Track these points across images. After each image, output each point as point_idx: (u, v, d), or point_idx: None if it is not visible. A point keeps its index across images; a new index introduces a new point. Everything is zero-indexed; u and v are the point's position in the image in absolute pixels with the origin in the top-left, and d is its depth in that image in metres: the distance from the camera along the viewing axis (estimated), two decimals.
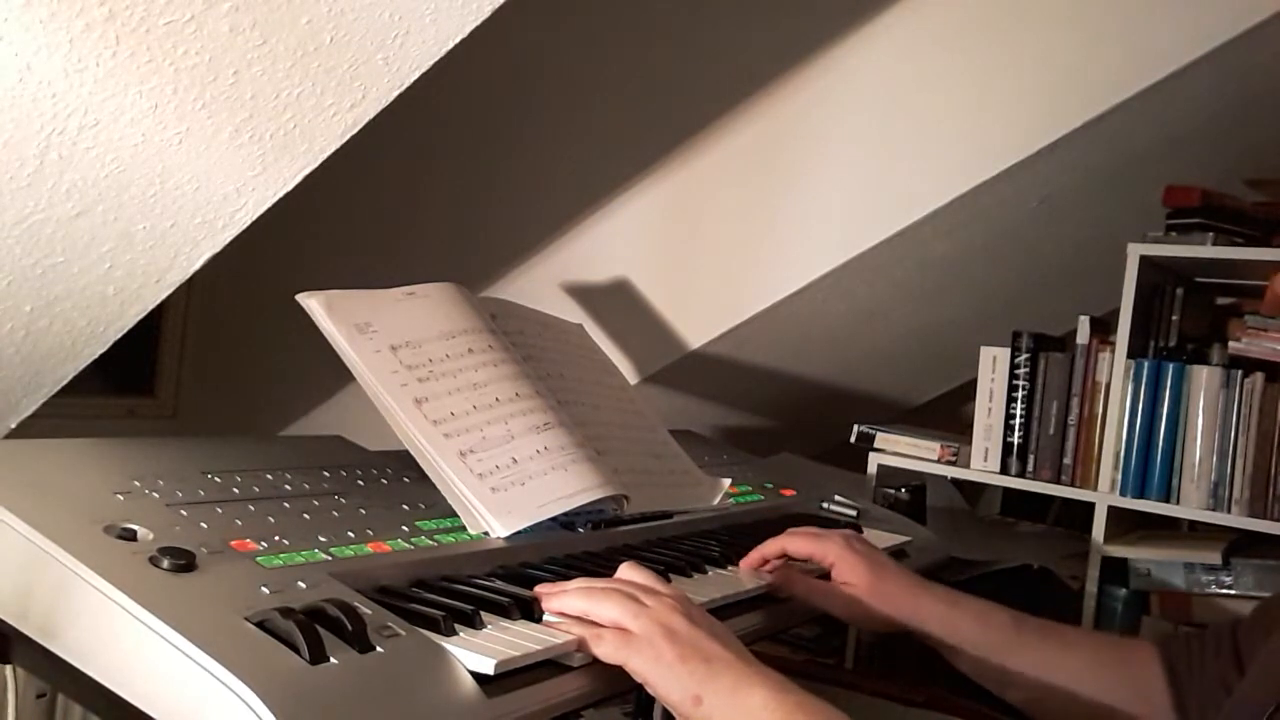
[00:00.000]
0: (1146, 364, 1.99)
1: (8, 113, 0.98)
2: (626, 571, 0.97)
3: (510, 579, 1.00)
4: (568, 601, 0.91)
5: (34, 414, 1.41)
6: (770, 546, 1.21)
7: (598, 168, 1.95)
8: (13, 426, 1.42)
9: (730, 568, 1.20)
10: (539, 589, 0.94)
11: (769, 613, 1.15)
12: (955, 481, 2.39)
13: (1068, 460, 2.07)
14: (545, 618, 0.91)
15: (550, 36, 1.90)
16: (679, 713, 0.87)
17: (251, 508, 0.96)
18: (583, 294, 1.99)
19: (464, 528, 1.06)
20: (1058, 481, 2.08)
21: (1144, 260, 1.99)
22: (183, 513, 0.91)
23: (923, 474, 2.23)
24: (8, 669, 0.86)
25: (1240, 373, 1.93)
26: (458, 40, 1.08)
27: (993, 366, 2.16)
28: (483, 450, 1.11)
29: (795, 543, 1.21)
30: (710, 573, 1.17)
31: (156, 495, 0.92)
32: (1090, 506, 2.02)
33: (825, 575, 1.19)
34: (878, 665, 2.06)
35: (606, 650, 0.88)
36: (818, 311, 2.07)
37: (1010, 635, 1.15)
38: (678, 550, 1.22)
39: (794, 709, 0.84)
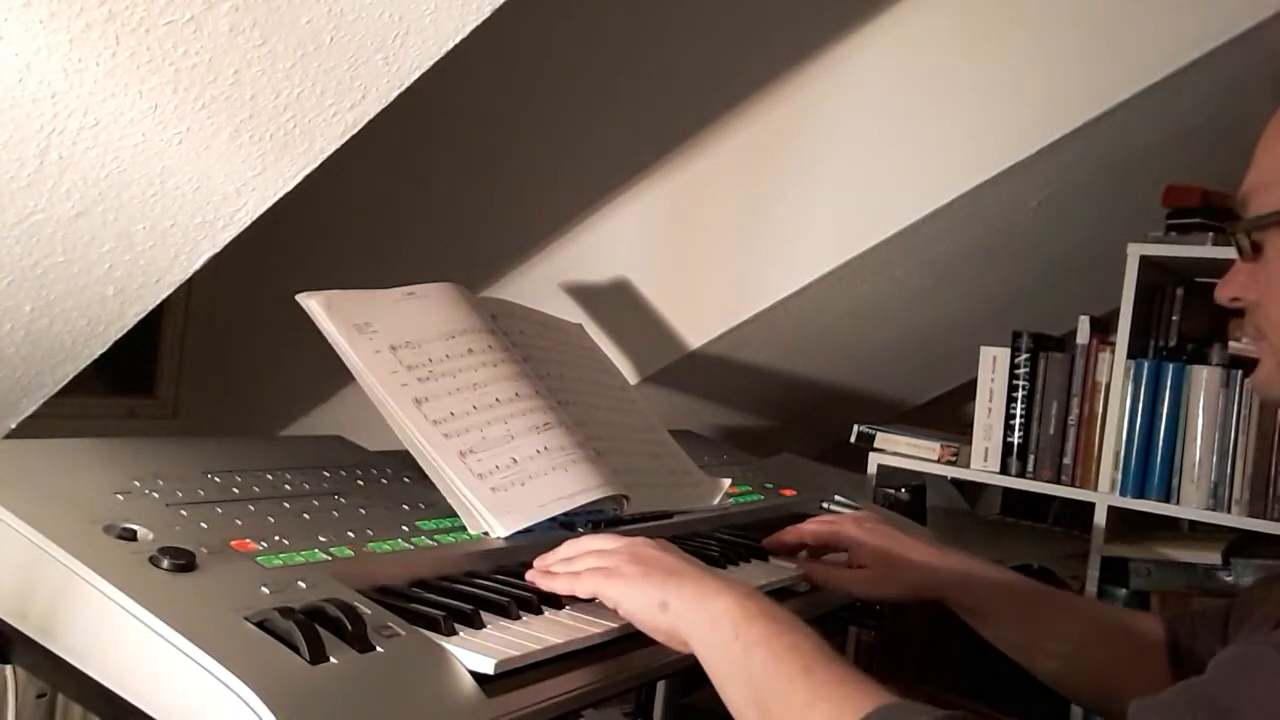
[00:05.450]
0: (1146, 364, 1.99)
1: (8, 113, 0.98)
2: (588, 542, 1.01)
3: (510, 579, 1.00)
4: (558, 584, 0.97)
5: (34, 414, 1.41)
6: (788, 536, 1.28)
7: (598, 168, 1.94)
8: (13, 426, 1.42)
9: (730, 567, 1.20)
10: (531, 576, 0.99)
11: None
12: (955, 481, 2.39)
13: (1068, 460, 2.07)
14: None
15: (550, 37, 1.90)
16: (647, 625, 0.91)
17: (251, 508, 0.96)
18: (583, 294, 1.98)
19: (464, 528, 1.06)
20: (1058, 481, 2.08)
21: (1144, 260, 2.00)
22: (183, 513, 0.91)
23: (923, 474, 2.23)
24: (8, 669, 0.85)
25: (1240, 373, 1.93)
26: (458, 40, 1.08)
27: (993, 366, 2.16)
28: (483, 450, 1.11)
29: (812, 528, 1.28)
30: None
31: (156, 495, 0.92)
32: (1090, 506, 2.02)
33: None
34: (878, 665, 2.06)
35: (586, 585, 0.94)
36: (818, 311, 2.07)
37: (1022, 608, 1.18)
38: None
39: (756, 614, 0.87)
